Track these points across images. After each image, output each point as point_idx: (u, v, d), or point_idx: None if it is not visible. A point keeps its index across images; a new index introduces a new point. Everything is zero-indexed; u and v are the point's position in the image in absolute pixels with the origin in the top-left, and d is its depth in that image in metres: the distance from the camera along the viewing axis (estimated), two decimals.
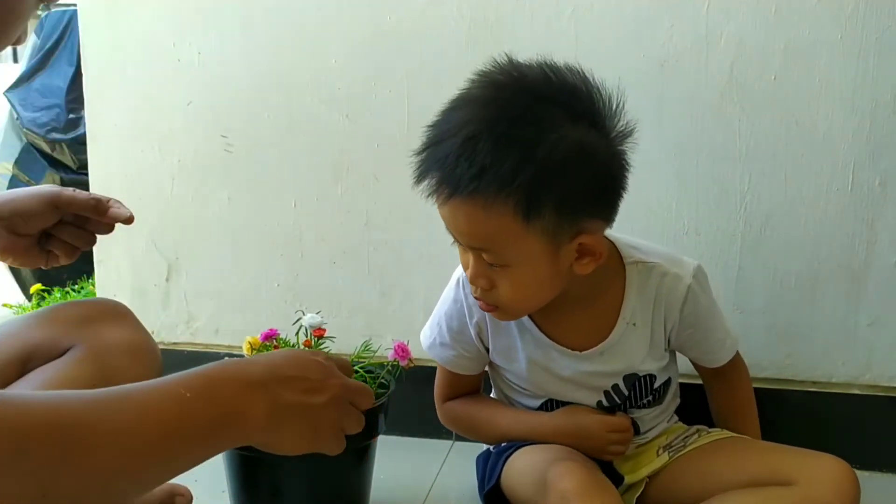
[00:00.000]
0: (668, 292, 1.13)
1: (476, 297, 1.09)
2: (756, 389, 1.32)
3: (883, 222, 1.33)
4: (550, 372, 1.17)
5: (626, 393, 1.17)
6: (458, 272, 1.17)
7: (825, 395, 1.39)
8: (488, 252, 1.02)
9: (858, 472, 1.08)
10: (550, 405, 1.21)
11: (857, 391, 1.38)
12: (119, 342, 1.02)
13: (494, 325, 1.17)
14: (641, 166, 1.34)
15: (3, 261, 1.02)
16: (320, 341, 1.17)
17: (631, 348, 1.14)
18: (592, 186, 1.01)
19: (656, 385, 1.19)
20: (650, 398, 1.19)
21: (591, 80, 1.01)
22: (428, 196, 1.03)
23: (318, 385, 0.77)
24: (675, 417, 1.27)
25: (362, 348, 1.21)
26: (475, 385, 1.28)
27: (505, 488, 1.16)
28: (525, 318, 1.15)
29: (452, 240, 1.07)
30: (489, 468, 1.20)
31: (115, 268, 1.57)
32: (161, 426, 0.67)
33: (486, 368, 1.26)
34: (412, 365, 1.19)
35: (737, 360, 1.26)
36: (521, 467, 1.14)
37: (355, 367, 1.19)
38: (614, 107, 1.02)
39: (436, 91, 1.40)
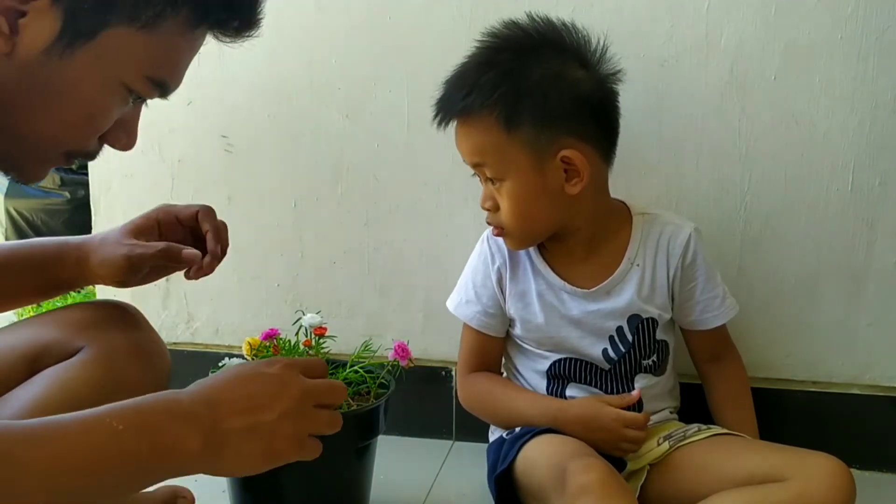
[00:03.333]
0: (670, 238, 1.23)
1: (488, 223, 1.21)
2: (756, 389, 1.33)
3: (883, 222, 1.33)
4: (560, 314, 1.23)
5: (631, 339, 1.22)
6: (486, 232, 1.28)
7: (825, 395, 1.39)
8: (485, 167, 1.17)
9: (858, 472, 1.08)
10: (559, 367, 1.24)
11: (857, 391, 1.39)
12: (128, 345, 1.01)
13: (513, 270, 1.25)
14: (641, 166, 1.35)
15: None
16: (321, 340, 1.17)
17: (634, 286, 1.21)
18: (569, 108, 1.14)
19: (658, 336, 1.23)
20: (654, 358, 1.23)
21: (579, 29, 1.18)
22: (438, 126, 1.20)
23: (266, 400, 0.74)
24: (675, 417, 1.29)
25: (362, 348, 1.21)
26: (497, 357, 1.32)
27: (518, 473, 1.17)
28: (539, 262, 1.24)
29: (472, 173, 1.21)
30: (503, 453, 1.21)
31: None
32: (91, 460, 0.66)
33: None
34: (412, 365, 1.19)
35: (731, 346, 1.31)
36: (538, 454, 1.16)
37: (355, 368, 1.19)
38: (598, 53, 1.18)
39: (436, 91, 1.40)
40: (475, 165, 1.18)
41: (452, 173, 1.43)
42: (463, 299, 1.29)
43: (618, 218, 1.25)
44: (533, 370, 1.27)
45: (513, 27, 1.18)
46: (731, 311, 1.27)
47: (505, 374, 1.33)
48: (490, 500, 1.23)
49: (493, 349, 1.30)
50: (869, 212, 1.33)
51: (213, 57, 1.47)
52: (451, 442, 1.49)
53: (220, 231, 1.04)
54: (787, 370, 1.40)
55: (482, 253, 1.28)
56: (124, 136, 0.81)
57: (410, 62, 1.41)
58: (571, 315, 1.23)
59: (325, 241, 1.50)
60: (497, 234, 1.22)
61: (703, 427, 1.22)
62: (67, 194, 2.52)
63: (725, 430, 1.22)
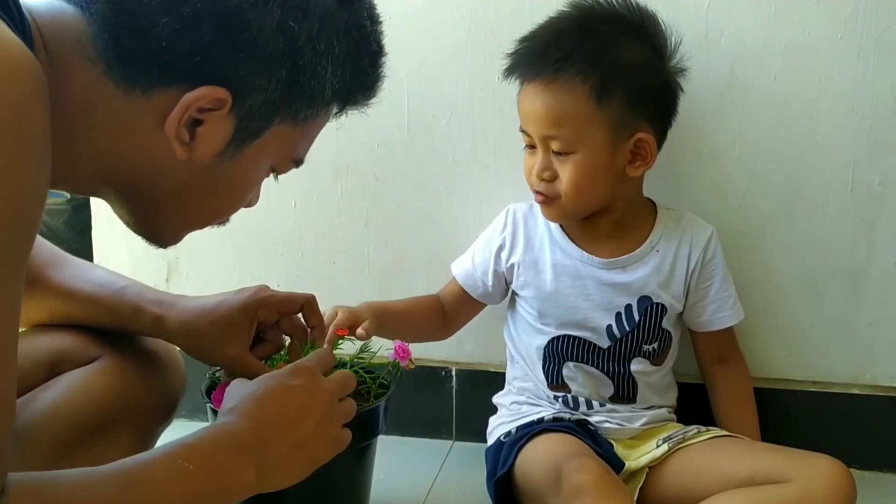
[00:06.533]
0: (693, 233, 1.26)
1: (537, 192, 1.20)
2: (756, 389, 1.33)
3: (883, 222, 1.33)
4: (572, 283, 1.25)
5: (637, 319, 1.23)
6: (507, 209, 1.32)
7: (825, 395, 1.39)
8: (558, 139, 1.16)
9: (858, 472, 1.08)
10: (556, 345, 1.26)
11: (857, 391, 1.39)
12: (144, 354, 1.02)
13: (526, 240, 1.28)
14: None
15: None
16: (339, 342, 1.17)
17: (651, 269, 1.23)
18: (654, 94, 1.18)
19: (664, 324, 1.24)
20: (655, 346, 1.24)
21: (659, 19, 1.20)
22: (513, 79, 1.21)
23: (302, 414, 0.79)
24: (674, 417, 1.29)
25: (361, 348, 1.21)
26: (458, 312, 1.37)
27: (518, 476, 1.18)
28: (559, 234, 1.26)
29: (524, 145, 1.23)
30: (502, 457, 1.21)
31: (116, 268, 1.56)
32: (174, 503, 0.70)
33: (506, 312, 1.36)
34: (412, 365, 1.19)
35: (738, 349, 1.33)
36: (535, 456, 1.16)
37: (355, 368, 1.19)
38: (672, 46, 1.21)
39: (436, 91, 1.40)
40: (545, 136, 1.17)
41: (452, 173, 1.43)
42: (461, 259, 1.35)
43: (645, 210, 1.28)
44: (531, 347, 1.28)
45: (608, 2, 1.19)
46: (741, 314, 1.29)
47: (508, 348, 1.35)
48: (490, 502, 1.23)
49: (463, 304, 1.35)
50: (869, 212, 1.33)
51: None
52: (451, 442, 1.49)
53: (324, 329, 1.09)
54: (787, 370, 1.40)
55: (497, 221, 1.32)
56: (255, 199, 0.87)
57: (410, 62, 1.41)
58: (584, 284, 1.24)
59: (325, 241, 1.50)
60: (543, 202, 1.21)
61: (703, 429, 1.22)
62: (67, 194, 2.51)
63: (725, 433, 1.22)
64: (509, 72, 1.21)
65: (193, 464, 0.71)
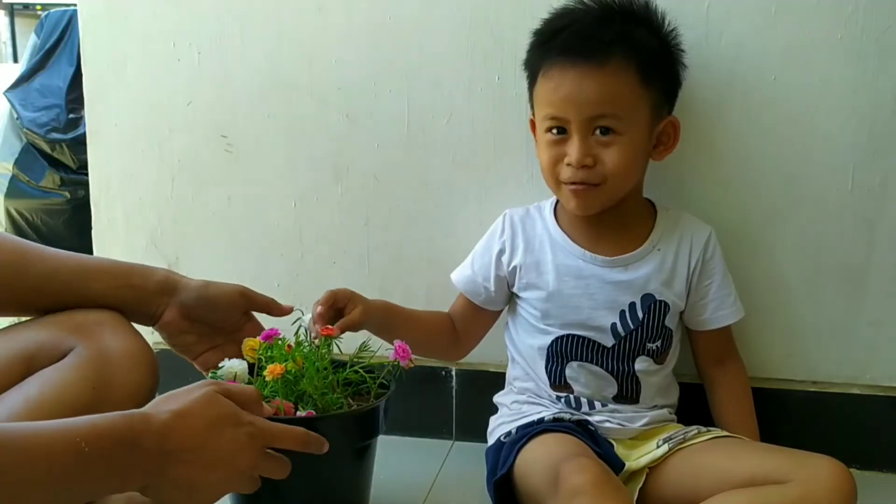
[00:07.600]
0: (693, 233, 1.28)
1: (576, 181, 1.19)
2: (756, 389, 1.33)
3: (883, 222, 1.33)
4: (575, 283, 1.25)
5: (641, 317, 1.24)
6: (503, 215, 1.33)
7: (825, 395, 1.39)
8: (610, 118, 1.16)
9: (858, 472, 1.08)
10: (560, 344, 1.26)
11: (857, 391, 1.39)
12: (118, 348, 1.03)
13: (526, 243, 1.29)
14: None
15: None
16: (327, 341, 1.17)
17: (653, 267, 1.25)
18: (679, 80, 1.25)
19: (667, 322, 1.25)
20: (658, 344, 1.25)
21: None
22: (545, 67, 1.20)
23: (214, 463, 0.81)
24: (675, 418, 1.29)
25: (361, 348, 1.21)
26: (471, 325, 1.37)
27: (517, 476, 1.18)
28: (557, 233, 1.28)
29: (549, 128, 1.20)
30: (502, 457, 1.21)
31: None
32: (61, 476, 0.72)
33: (508, 319, 1.36)
34: (412, 365, 1.19)
35: (735, 349, 1.33)
36: (534, 456, 1.16)
37: (355, 368, 1.19)
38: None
39: (436, 91, 1.40)
40: (592, 118, 1.17)
41: (452, 173, 1.43)
42: (461, 267, 1.35)
43: (645, 210, 1.30)
44: (533, 347, 1.28)
45: None
46: (741, 312, 1.29)
47: (509, 349, 1.35)
48: (490, 502, 1.23)
49: (469, 314, 1.35)
50: (869, 212, 1.33)
51: (212, 56, 1.48)
52: (451, 442, 1.49)
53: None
54: (787, 370, 1.40)
55: (495, 227, 1.33)
56: None
57: (410, 62, 1.41)
58: (588, 283, 1.25)
59: (325, 241, 1.50)
60: (584, 191, 1.19)
61: (704, 429, 1.22)
62: (67, 194, 2.52)
63: (726, 433, 1.22)
64: (539, 59, 1.21)
65: (90, 446, 0.72)
